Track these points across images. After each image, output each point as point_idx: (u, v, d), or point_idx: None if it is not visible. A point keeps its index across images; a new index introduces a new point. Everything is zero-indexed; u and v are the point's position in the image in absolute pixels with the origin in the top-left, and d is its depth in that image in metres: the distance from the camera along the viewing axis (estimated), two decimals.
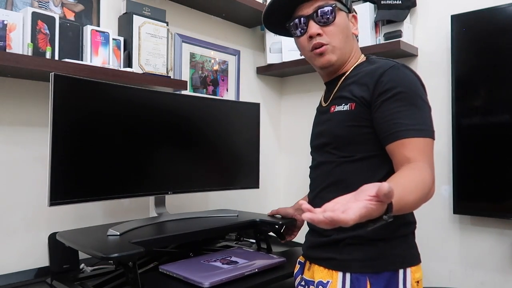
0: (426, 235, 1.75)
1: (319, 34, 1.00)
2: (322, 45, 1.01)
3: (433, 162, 0.90)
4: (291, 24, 1.05)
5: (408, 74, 0.95)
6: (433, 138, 0.92)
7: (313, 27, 1.01)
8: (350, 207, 0.59)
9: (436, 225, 1.74)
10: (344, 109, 0.99)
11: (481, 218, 1.63)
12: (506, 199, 1.50)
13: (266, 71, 2.16)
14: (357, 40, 1.13)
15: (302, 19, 1.02)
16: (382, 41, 1.80)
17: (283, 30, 1.11)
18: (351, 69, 1.05)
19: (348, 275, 0.93)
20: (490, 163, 1.53)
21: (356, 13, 1.10)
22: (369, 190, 0.61)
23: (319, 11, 1.00)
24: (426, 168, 0.86)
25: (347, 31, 1.04)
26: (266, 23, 1.12)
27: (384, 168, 0.96)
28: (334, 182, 1.00)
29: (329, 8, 0.99)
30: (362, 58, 1.08)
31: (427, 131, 0.91)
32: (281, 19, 1.08)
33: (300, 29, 1.04)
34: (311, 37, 1.02)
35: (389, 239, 0.94)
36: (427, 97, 0.97)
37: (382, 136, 0.93)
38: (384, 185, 0.58)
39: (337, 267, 0.95)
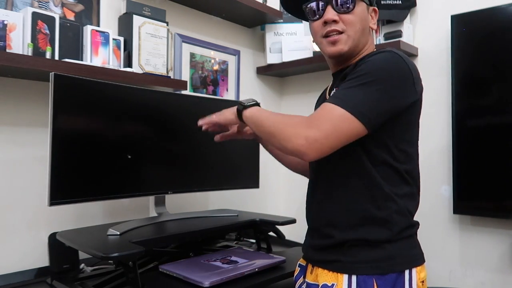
0: (426, 235, 1.75)
1: (335, 21, 0.97)
2: (336, 32, 0.97)
3: (323, 121, 0.85)
4: (308, 6, 1.01)
5: (382, 57, 0.90)
6: (348, 111, 0.85)
7: (330, 13, 0.97)
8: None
9: (436, 225, 1.74)
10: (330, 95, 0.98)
11: (481, 218, 1.63)
12: (506, 199, 1.50)
13: (266, 71, 2.16)
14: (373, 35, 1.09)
15: (320, 3, 0.99)
16: (382, 41, 1.80)
17: (300, 12, 1.06)
18: (358, 59, 1.00)
19: (354, 278, 0.91)
20: (490, 163, 1.53)
21: (377, 7, 1.05)
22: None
23: None
24: (299, 118, 0.90)
25: (365, 23, 1.00)
26: (283, 2, 1.09)
27: (377, 174, 0.93)
28: (328, 191, 0.99)
29: None
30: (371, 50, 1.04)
31: (343, 101, 0.86)
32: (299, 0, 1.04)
33: (316, 13, 1.00)
34: (325, 23, 0.98)
35: (395, 241, 0.92)
36: (396, 83, 0.89)
37: None
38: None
39: (342, 269, 0.93)
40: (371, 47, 1.05)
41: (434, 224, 1.74)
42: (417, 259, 0.96)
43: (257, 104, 1.02)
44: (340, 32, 0.97)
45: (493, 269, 1.60)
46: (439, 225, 1.73)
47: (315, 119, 0.87)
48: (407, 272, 0.92)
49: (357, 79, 0.88)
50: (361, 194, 0.93)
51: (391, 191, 0.93)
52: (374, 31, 1.83)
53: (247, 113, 1.01)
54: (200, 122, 1.15)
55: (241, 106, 1.02)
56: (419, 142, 1.04)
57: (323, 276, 0.97)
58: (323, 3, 0.98)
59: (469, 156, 1.59)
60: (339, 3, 0.96)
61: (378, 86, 0.87)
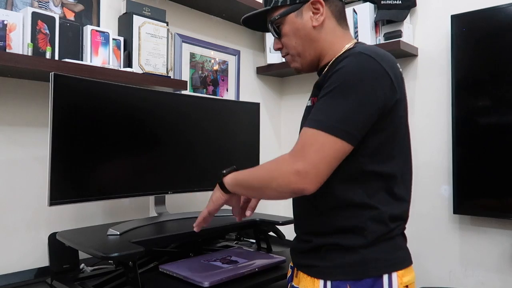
0: (426, 235, 1.75)
1: (279, 48, 1.03)
2: (284, 55, 1.04)
3: (307, 151, 0.82)
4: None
5: (352, 63, 0.85)
6: (328, 132, 0.81)
7: (274, 42, 1.04)
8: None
9: (436, 225, 1.74)
10: (309, 104, 0.98)
11: (481, 218, 1.63)
12: (506, 199, 1.50)
13: (266, 71, 2.16)
14: (347, 27, 1.02)
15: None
16: (382, 41, 1.80)
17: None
18: (330, 63, 0.94)
19: (329, 283, 0.88)
20: (490, 163, 1.53)
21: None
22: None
23: (269, 28, 1.02)
24: (278, 159, 0.88)
25: (300, 33, 0.96)
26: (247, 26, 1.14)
27: (354, 182, 0.89)
28: (305, 202, 0.97)
29: (270, 24, 1.00)
30: (349, 46, 0.96)
31: (321, 123, 0.82)
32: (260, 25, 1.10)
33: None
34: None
35: (371, 244, 0.88)
36: (370, 87, 0.83)
37: None
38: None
39: (318, 274, 0.91)
40: (335, 44, 0.97)
41: (434, 224, 1.74)
42: (399, 262, 0.90)
43: (235, 169, 1.03)
44: (287, 54, 1.03)
45: (493, 269, 1.60)
46: (439, 225, 1.73)
47: (299, 151, 0.84)
48: (385, 276, 0.87)
49: (331, 94, 0.84)
50: (335, 205, 0.90)
51: (367, 199, 0.89)
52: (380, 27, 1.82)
53: (227, 179, 1.00)
54: (196, 228, 1.10)
55: (220, 174, 1.03)
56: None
57: (303, 280, 0.95)
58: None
59: (469, 156, 1.59)
60: (272, 32, 1.01)
61: (353, 96, 0.82)
